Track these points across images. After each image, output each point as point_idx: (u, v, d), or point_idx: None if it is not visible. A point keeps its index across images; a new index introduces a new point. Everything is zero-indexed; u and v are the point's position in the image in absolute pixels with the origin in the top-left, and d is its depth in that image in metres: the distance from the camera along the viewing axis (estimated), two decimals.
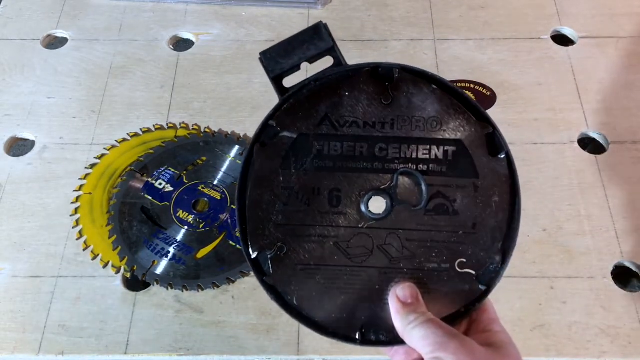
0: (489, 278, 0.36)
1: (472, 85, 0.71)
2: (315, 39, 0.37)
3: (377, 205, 0.37)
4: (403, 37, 0.75)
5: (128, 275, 0.58)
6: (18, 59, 0.75)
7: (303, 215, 0.37)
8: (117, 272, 0.58)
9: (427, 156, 0.37)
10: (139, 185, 0.62)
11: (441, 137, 0.37)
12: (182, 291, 0.57)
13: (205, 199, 0.62)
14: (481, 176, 0.37)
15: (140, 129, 0.67)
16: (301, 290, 0.37)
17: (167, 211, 0.61)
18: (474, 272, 0.36)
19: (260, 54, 0.38)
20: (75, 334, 0.55)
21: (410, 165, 0.37)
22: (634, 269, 0.58)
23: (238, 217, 0.37)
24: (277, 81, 0.38)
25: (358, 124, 0.37)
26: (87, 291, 0.57)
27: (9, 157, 0.67)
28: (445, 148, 0.37)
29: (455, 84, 0.70)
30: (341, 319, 0.36)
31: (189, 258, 0.58)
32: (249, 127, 0.68)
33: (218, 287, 0.57)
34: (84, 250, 0.59)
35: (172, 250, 0.59)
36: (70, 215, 0.61)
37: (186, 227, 0.60)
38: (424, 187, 0.37)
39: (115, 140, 0.66)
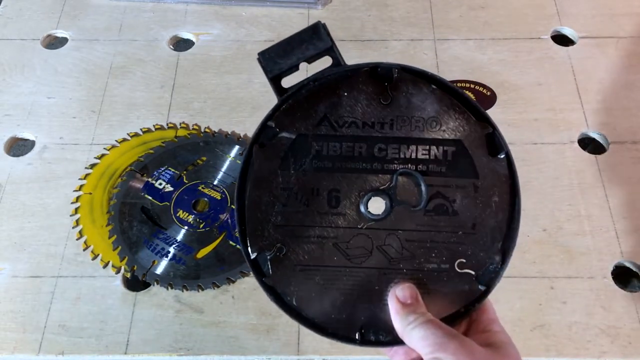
0: (489, 278, 0.36)
1: (472, 85, 0.71)
2: (314, 39, 0.37)
3: (377, 205, 0.37)
4: (403, 37, 0.75)
5: (128, 275, 0.58)
6: (18, 59, 0.75)
7: (302, 216, 0.37)
8: (117, 272, 0.58)
9: (427, 156, 0.37)
10: (139, 185, 0.62)
11: (440, 137, 0.37)
12: (182, 291, 0.57)
13: (205, 199, 0.62)
14: (481, 176, 0.37)
15: (140, 129, 0.67)
16: (300, 291, 0.37)
17: (167, 211, 0.61)
18: (473, 273, 0.36)
19: (259, 54, 0.37)
20: (75, 334, 0.55)
21: (409, 165, 0.37)
22: (634, 269, 0.58)
23: (237, 218, 0.37)
24: (275, 81, 0.38)
25: (357, 124, 0.37)
26: (87, 291, 0.57)
27: (9, 157, 0.67)
28: (445, 148, 0.37)
29: (455, 84, 0.71)
30: (341, 319, 0.36)
31: (189, 258, 0.58)
32: (249, 127, 0.68)
33: (218, 287, 0.57)
34: (84, 250, 0.59)
35: (172, 250, 0.59)
36: (70, 215, 0.61)
37: (186, 227, 0.60)
38: (423, 188, 0.37)
39: (115, 140, 0.66)
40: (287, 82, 0.38)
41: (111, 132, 0.68)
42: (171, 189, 0.62)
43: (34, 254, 0.60)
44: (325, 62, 0.38)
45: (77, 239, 0.60)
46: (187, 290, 0.57)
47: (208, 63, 0.74)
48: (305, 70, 0.39)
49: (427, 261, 0.36)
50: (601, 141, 0.66)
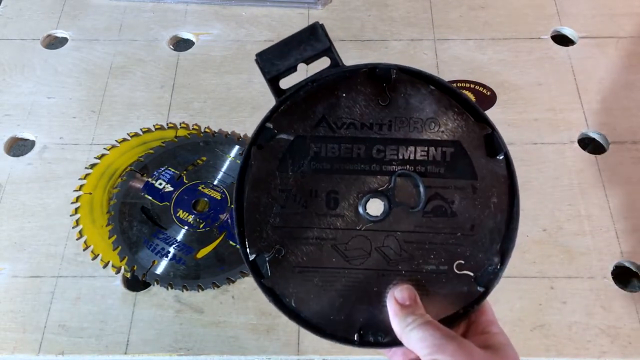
0: (488, 279, 0.36)
1: (472, 85, 0.71)
2: (312, 40, 0.37)
3: (375, 207, 0.37)
4: (403, 37, 0.75)
5: (128, 275, 0.58)
6: (18, 59, 0.75)
7: (300, 217, 0.37)
8: (117, 272, 0.58)
9: (425, 157, 0.37)
10: (139, 185, 0.62)
11: (439, 138, 0.37)
12: (182, 291, 0.57)
13: (205, 199, 0.62)
14: (479, 177, 0.37)
15: (140, 129, 0.67)
16: (299, 292, 0.36)
17: (167, 211, 0.61)
18: (472, 274, 0.36)
19: (256, 55, 0.37)
20: (75, 334, 0.55)
21: (408, 166, 0.37)
22: (634, 269, 0.58)
23: (235, 220, 0.37)
24: (273, 83, 0.38)
25: (355, 126, 0.37)
26: (87, 291, 0.57)
27: (9, 157, 0.67)
28: (443, 149, 0.37)
29: (455, 84, 0.71)
30: (339, 320, 0.36)
31: (189, 258, 0.58)
32: (249, 127, 0.68)
33: (218, 287, 0.57)
34: (84, 250, 0.59)
35: (172, 250, 0.59)
36: (70, 215, 0.61)
37: (186, 227, 0.60)
38: (421, 189, 0.36)
39: (115, 140, 0.66)
40: (285, 83, 0.38)
41: (111, 132, 0.68)
42: (171, 189, 0.62)
43: (34, 254, 0.60)
44: (323, 62, 0.38)
45: (77, 239, 0.60)
46: (187, 290, 0.57)
47: (208, 63, 0.74)
48: (305, 71, 0.39)
49: (426, 262, 0.36)
50: (601, 141, 0.66)
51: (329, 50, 0.37)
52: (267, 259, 0.37)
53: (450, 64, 0.73)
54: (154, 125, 0.68)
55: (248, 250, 0.37)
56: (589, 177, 0.63)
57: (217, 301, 0.57)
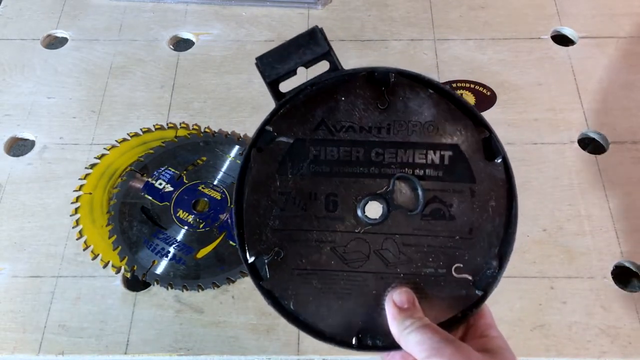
0: (486, 283, 0.36)
1: (472, 85, 0.71)
2: (311, 44, 0.37)
3: (374, 210, 0.37)
4: (403, 37, 0.75)
5: (128, 275, 0.58)
6: (18, 59, 0.75)
7: (300, 220, 0.37)
8: (117, 272, 0.58)
9: (424, 161, 0.37)
10: (139, 185, 0.62)
11: (438, 141, 0.37)
12: (182, 291, 0.57)
13: (205, 199, 0.62)
14: (478, 181, 0.37)
15: (140, 129, 0.67)
16: (298, 295, 0.37)
17: (167, 211, 0.61)
18: (470, 278, 0.36)
19: (256, 59, 0.37)
20: (75, 334, 0.55)
21: (406, 169, 0.37)
22: (634, 269, 0.58)
23: (235, 222, 0.37)
24: (273, 86, 0.38)
25: (354, 129, 0.37)
26: (87, 291, 0.57)
27: (9, 157, 0.67)
28: (442, 153, 0.37)
29: (455, 84, 0.71)
30: (338, 323, 0.36)
31: (189, 258, 0.58)
32: (249, 127, 0.68)
33: (218, 287, 0.57)
34: (84, 250, 0.59)
35: (172, 250, 0.59)
36: (70, 215, 0.61)
37: (186, 227, 0.60)
38: (420, 192, 0.36)
39: (115, 140, 0.66)
40: (285, 86, 0.38)
41: (111, 132, 0.68)
42: (171, 189, 0.62)
43: (34, 254, 0.60)
44: (323, 66, 0.38)
45: (77, 239, 0.60)
46: (187, 290, 0.57)
47: (208, 63, 0.74)
48: (305, 75, 0.39)
49: (424, 266, 0.36)
50: (601, 141, 0.66)
51: (328, 54, 0.37)
52: (266, 261, 0.37)
53: (450, 64, 0.73)
54: (154, 125, 0.68)
55: (247, 252, 0.37)
56: (589, 177, 0.63)
57: (217, 301, 0.57)
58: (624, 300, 0.56)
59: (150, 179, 0.63)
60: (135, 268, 0.58)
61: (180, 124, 0.68)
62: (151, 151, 0.64)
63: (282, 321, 0.55)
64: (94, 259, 0.59)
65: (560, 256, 0.58)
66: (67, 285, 0.58)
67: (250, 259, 0.37)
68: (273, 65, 0.37)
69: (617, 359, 0.53)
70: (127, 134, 0.67)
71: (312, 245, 0.37)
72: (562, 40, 0.75)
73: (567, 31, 0.75)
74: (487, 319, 0.37)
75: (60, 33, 0.78)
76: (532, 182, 0.63)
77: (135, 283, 0.58)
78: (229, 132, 0.67)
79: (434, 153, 0.37)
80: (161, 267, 0.58)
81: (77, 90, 0.72)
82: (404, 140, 0.37)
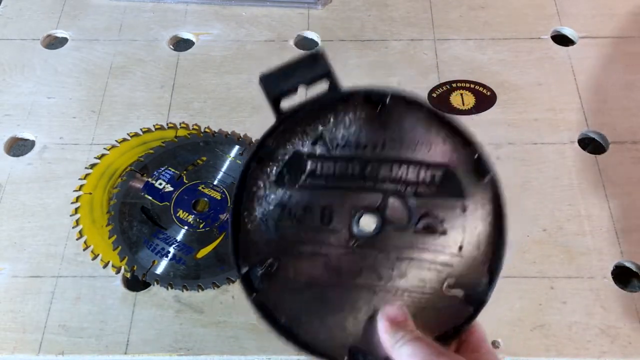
0: (477, 299, 0.37)
1: (472, 85, 0.71)
2: (314, 65, 0.38)
3: (368, 224, 0.37)
4: (403, 37, 0.75)
5: (128, 275, 0.58)
6: (18, 59, 0.75)
7: (294, 232, 0.37)
8: (117, 272, 0.58)
9: (417, 177, 0.38)
10: (139, 185, 0.62)
11: (430, 159, 0.38)
12: (182, 291, 0.57)
13: (205, 199, 0.62)
14: (468, 198, 0.37)
15: (140, 129, 0.67)
16: (290, 309, 0.37)
17: (167, 211, 0.61)
18: (462, 293, 0.37)
19: (260, 77, 0.38)
20: (75, 334, 0.55)
21: (400, 185, 0.37)
22: (634, 269, 0.58)
23: (231, 234, 0.37)
24: (275, 102, 0.39)
25: (351, 145, 0.38)
26: (87, 291, 0.57)
27: (9, 157, 0.67)
28: (434, 170, 0.38)
29: (455, 83, 0.71)
30: (329, 338, 0.36)
31: (189, 258, 0.58)
32: (249, 127, 0.68)
33: (218, 287, 0.57)
34: (84, 250, 0.59)
35: (172, 250, 0.59)
36: (70, 215, 0.61)
37: (186, 227, 0.60)
38: (413, 207, 0.37)
39: (115, 140, 0.66)
40: (286, 103, 0.39)
41: (111, 132, 0.68)
42: (171, 189, 0.62)
43: (34, 254, 0.60)
44: (323, 86, 0.39)
45: (77, 239, 0.60)
46: (187, 290, 0.57)
47: (208, 63, 0.74)
48: (305, 93, 0.40)
49: (417, 281, 0.37)
50: (601, 141, 0.66)
51: (329, 74, 0.39)
52: (259, 273, 0.37)
53: (450, 64, 0.73)
54: (154, 125, 0.68)
55: (240, 263, 0.37)
56: (589, 177, 0.63)
57: (217, 301, 0.57)
58: (624, 300, 0.56)
59: (150, 179, 0.63)
60: (135, 268, 0.58)
61: (180, 124, 0.68)
62: (151, 151, 0.65)
63: None
64: (94, 259, 0.59)
65: (560, 256, 0.58)
66: (67, 285, 0.58)
67: (244, 270, 0.37)
68: (276, 83, 0.38)
69: (617, 359, 0.53)
70: (127, 134, 0.67)
71: (306, 258, 0.37)
72: (562, 40, 0.75)
73: (567, 31, 0.75)
74: (479, 335, 0.37)
75: (60, 33, 0.78)
76: (532, 182, 0.63)
77: (135, 283, 0.58)
78: (229, 132, 0.67)
79: (427, 170, 0.38)
80: (161, 267, 0.58)
81: (77, 90, 0.72)
82: (398, 157, 0.38)
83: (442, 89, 0.70)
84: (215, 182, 0.63)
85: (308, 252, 0.37)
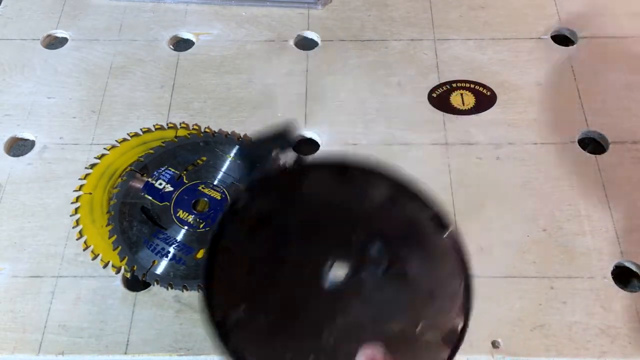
0: (452, 340, 0.37)
1: (472, 85, 0.71)
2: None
3: (339, 272, 0.39)
4: (403, 37, 0.75)
5: (128, 275, 0.58)
6: (18, 59, 0.75)
7: (267, 283, 0.39)
8: (117, 272, 0.58)
9: (386, 229, 0.41)
10: (139, 185, 0.62)
11: (397, 214, 0.41)
12: (182, 291, 0.57)
13: (205, 199, 0.62)
14: (433, 249, 0.40)
15: (140, 129, 0.67)
16: (263, 357, 0.37)
17: (167, 211, 0.61)
18: (437, 336, 0.38)
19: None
20: (75, 334, 0.55)
21: (370, 235, 0.40)
22: (634, 269, 0.58)
23: (204, 283, 0.38)
24: (252, 167, 0.42)
25: (321, 202, 0.41)
26: (87, 291, 0.57)
27: (9, 157, 0.67)
28: (401, 222, 0.41)
29: (455, 83, 0.71)
30: None
31: (189, 258, 0.58)
32: (249, 127, 0.67)
33: None
34: (84, 250, 0.59)
35: (172, 250, 0.59)
36: (70, 215, 0.61)
37: (186, 227, 0.60)
38: (383, 255, 0.39)
39: (115, 140, 0.66)
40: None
41: (111, 132, 0.68)
42: (171, 189, 0.62)
43: (34, 254, 0.60)
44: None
45: (77, 239, 0.60)
46: (187, 290, 0.57)
47: (208, 63, 0.74)
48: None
49: (391, 324, 0.38)
50: (601, 141, 0.66)
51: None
52: (232, 321, 0.37)
53: (450, 64, 0.73)
54: (154, 125, 0.68)
55: (214, 312, 0.37)
56: (589, 177, 0.63)
57: None
58: (624, 300, 0.56)
59: (150, 179, 0.63)
60: (135, 268, 0.58)
61: (180, 124, 0.68)
62: (151, 151, 0.65)
63: None
64: (94, 259, 0.59)
65: (560, 256, 0.58)
66: (67, 285, 0.58)
67: (217, 319, 0.37)
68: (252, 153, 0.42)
69: (617, 359, 0.53)
70: (127, 134, 0.67)
71: (279, 308, 0.38)
72: (562, 40, 0.75)
73: (567, 31, 0.75)
74: None
75: (60, 33, 0.78)
76: (532, 182, 0.63)
77: (135, 283, 0.58)
78: (229, 132, 0.67)
79: (395, 222, 0.41)
80: (161, 267, 0.58)
81: (77, 90, 0.72)
82: (368, 210, 0.41)
83: (442, 89, 0.70)
84: (215, 182, 0.63)
85: (281, 302, 0.38)
